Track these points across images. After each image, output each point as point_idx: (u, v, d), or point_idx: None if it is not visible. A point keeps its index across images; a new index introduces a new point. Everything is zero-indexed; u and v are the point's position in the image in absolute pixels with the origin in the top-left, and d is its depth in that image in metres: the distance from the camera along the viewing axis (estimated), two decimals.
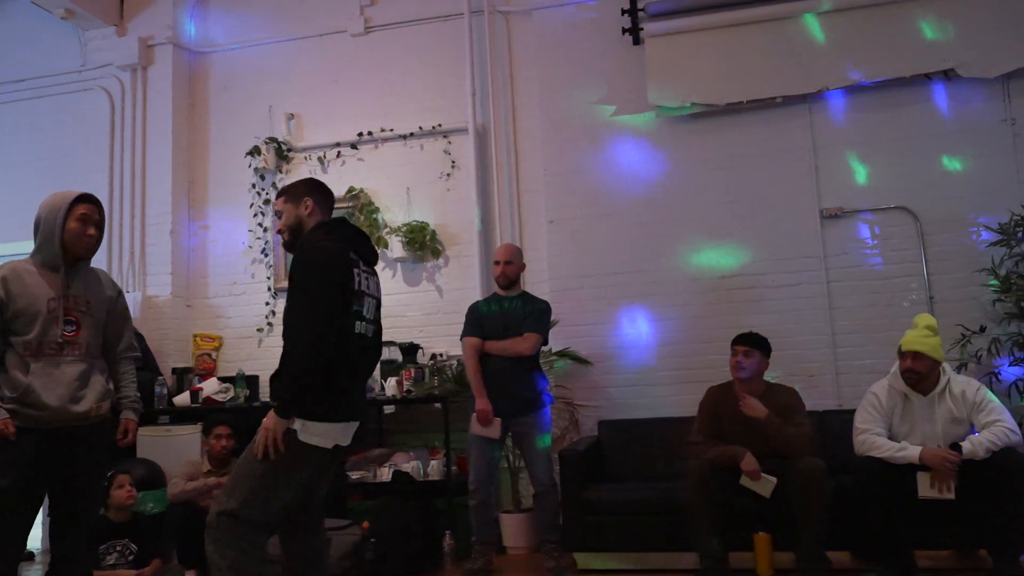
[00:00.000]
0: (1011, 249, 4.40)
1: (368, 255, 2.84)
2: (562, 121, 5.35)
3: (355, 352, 2.68)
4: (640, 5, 5.22)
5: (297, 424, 2.56)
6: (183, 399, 5.22)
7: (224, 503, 2.58)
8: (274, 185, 5.89)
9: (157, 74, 6.03)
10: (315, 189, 2.90)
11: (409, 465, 4.79)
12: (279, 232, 2.89)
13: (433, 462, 4.82)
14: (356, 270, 2.68)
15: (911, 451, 3.59)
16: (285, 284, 5.66)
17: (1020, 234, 4.37)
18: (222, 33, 6.19)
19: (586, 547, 4.20)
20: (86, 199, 3.04)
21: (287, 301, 2.63)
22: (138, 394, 3.27)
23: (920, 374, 3.70)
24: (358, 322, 2.66)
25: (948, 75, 4.74)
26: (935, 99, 4.80)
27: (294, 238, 2.82)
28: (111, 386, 3.10)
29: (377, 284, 2.85)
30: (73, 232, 2.96)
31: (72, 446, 2.96)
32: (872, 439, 3.70)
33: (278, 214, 2.90)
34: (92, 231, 3.02)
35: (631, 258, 5.11)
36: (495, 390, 4.27)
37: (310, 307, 2.54)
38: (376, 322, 2.82)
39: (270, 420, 2.56)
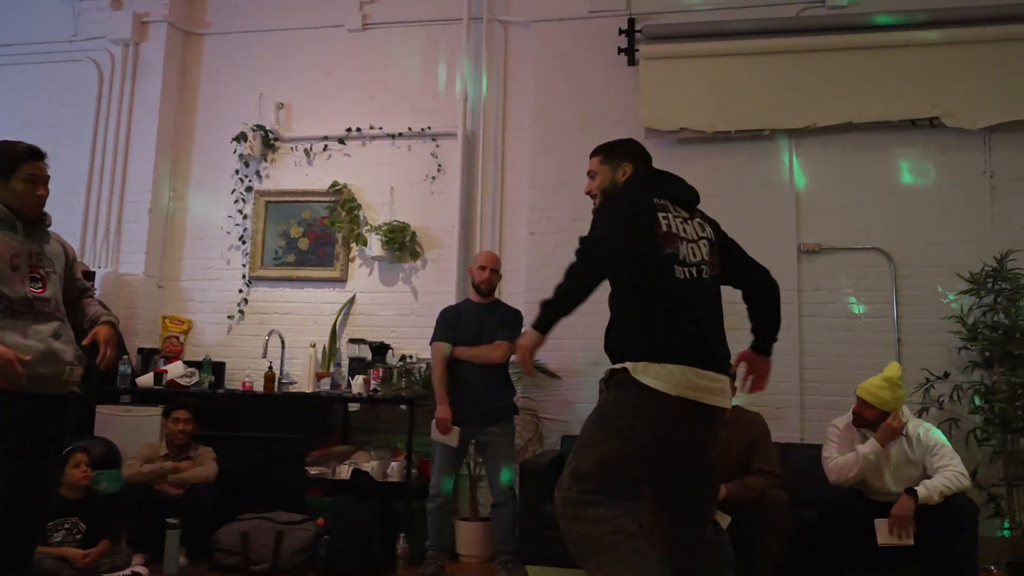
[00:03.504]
0: (980, 299, 4.48)
1: (687, 197, 2.64)
2: (552, 134, 5.37)
3: (679, 298, 2.44)
4: (637, 27, 5.27)
5: (628, 364, 2.40)
6: (146, 380, 5.15)
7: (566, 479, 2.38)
8: (257, 174, 5.86)
9: (149, 51, 5.97)
10: (636, 156, 2.71)
11: (369, 465, 4.76)
12: (589, 194, 2.75)
13: (394, 464, 4.80)
14: (664, 215, 2.49)
15: (868, 446, 3.71)
16: (261, 272, 5.71)
17: (990, 284, 4.44)
18: (218, 16, 6.14)
19: (541, 561, 4.20)
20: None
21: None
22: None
23: (866, 420, 3.80)
24: (677, 267, 2.45)
25: (933, 123, 4.81)
26: (920, 146, 4.88)
27: None
28: (79, 352, 3.01)
29: (704, 224, 2.61)
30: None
31: (44, 421, 2.83)
32: (838, 462, 3.78)
33: (591, 175, 2.74)
34: (43, 191, 2.89)
35: None
36: (463, 397, 4.27)
37: (593, 247, 2.45)
38: (711, 264, 2.55)
39: (526, 337, 2.49)
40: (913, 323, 4.74)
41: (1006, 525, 4.25)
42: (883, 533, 3.58)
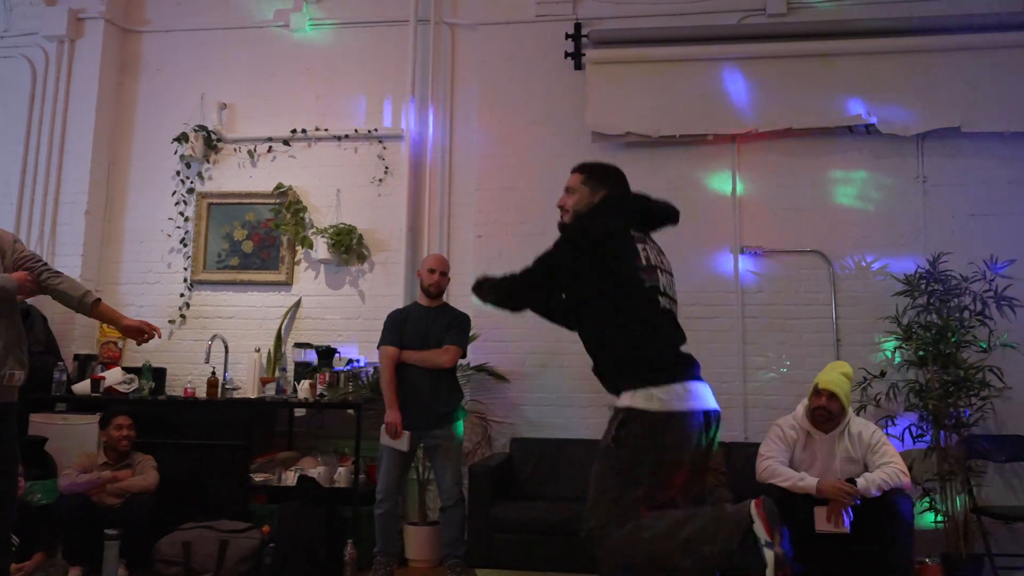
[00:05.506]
0: (914, 300, 4.62)
1: (662, 213, 2.66)
2: (499, 137, 5.38)
3: (665, 327, 2.51)
4: (584, 31, 5.31)
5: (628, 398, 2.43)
6: (83, 387, 5.00)
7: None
8: (199, 175, 5.74)
9: (85, 48, 5.80)
10: (618, 182, 2.65)
11: (316, 471, 4.70)
12: (560, 207, 2.65)
13: (341, 469, 4.74)
14: (645, 245, 2.52)
15: (809, 481, 3.74)
16: (203, 276, 5.60)
17: (923, 286, 4.59)
18: (158, 13, 6.00)
19: (490, 564, 4.20)
20: None
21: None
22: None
23: (831, 414, 3.86)
24: (660, 297, 2.49)
25: (869, 130, 4.97)
26: (855, 151, 5.03)
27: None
28: (25, 356, 2.91)
29: (662, 255, 2.62)
30: None
31: None
32: (775, 467, 3.84)
33: (569, 190, 2.64)
34: None
35: None
36: (410, 401, 4.25)
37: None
38: (674, 298, 2.60)
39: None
40: (851, 323, 4.87)
41: (940, 518, 4.39)
42: (821, 520, 3.68)
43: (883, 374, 4.65)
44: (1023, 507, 4.51)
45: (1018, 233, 4.79)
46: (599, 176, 2.64)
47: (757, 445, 4.06)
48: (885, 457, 3.80)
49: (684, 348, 2.53)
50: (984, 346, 4.45)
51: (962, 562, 4.23)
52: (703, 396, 2.46)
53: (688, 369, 2.47)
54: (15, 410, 2.90)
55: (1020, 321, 4.47)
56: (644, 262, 2.46)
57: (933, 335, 4.47)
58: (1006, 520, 4.32)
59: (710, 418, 2.46)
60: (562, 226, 2.63)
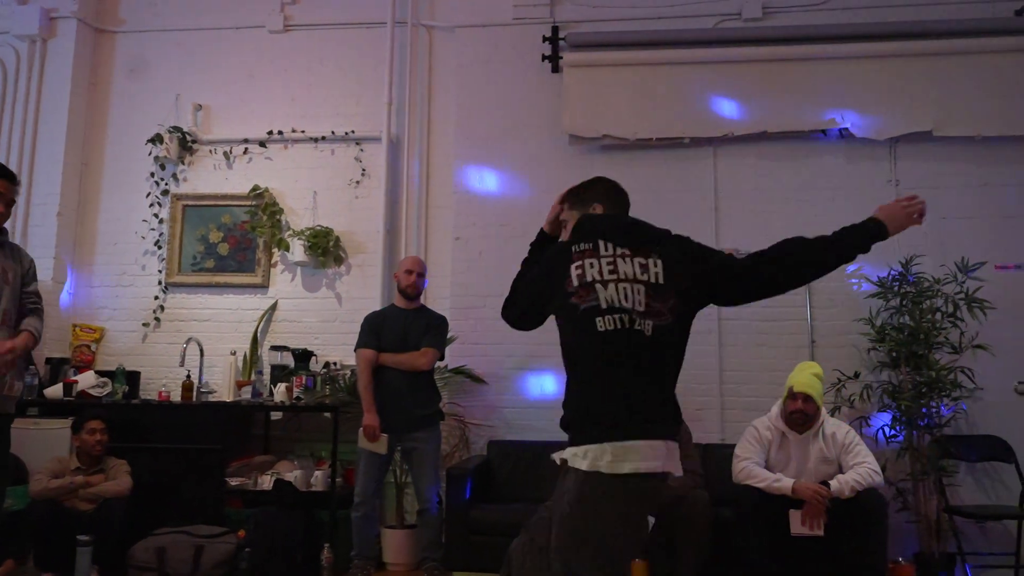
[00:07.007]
0: (887, 302, 4.68)
1: (630, 238, 2.29)
2: (476, 139, 5.38)
3: (598, 355, 2.12)
4: (561, 34, 5.33)
5: (566, 453, 2.12)
6: (55, 391, 4.94)
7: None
8: (174, 177, 5.69)
9: (58, 48, 5.73)
10: (607, 194, 2.42)
11: (293, 474, 4.67)
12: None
13: (318, 472, 4.72)
14: (587, 260, 2.18)
15: (785, 483, 3.77)
16: (178, 278, 5.55)
17: (896, 288, 4.64)
18: (132, 13, 5.95)
19: (468, 567, 4.19)
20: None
21: None
22: (38, 327, 3.23)
23: (807, 416, 3.89)
24: (598, 319, 2.11)
25: (843, 134, 5.02)
26: (830, 155, 5.08)
27: None
28: (25, 371, 2.96)
29: (644, 263, 2.23)
30: None
31: None
32: (751, 468, 3.87)
33: (563, 223, 2.45)
34: (1, 208, 3.04)
35: None
36: (388, 404, 4.23)
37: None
38: (633, 308, 2.13)
39: None
40: (826, 325, 4.92)
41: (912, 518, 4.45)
42: (796, 523, 3.71)
43: (857, 375, 4.70)
44: (994, 506, 4.57)
45: (989, 236, 4.86)
46: (581, 196, 2.43)
47: (734, 446, 4.09)
48: (858, 457, 3.85)
49: (634, 384, 2.17)
50: (955, 347, 4.51)
51: (935, 561, 4.28)
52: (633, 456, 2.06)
53: (615, 429, 2.07)
54: (11, 420, 2.96)
55: (991, 323, 4.53)
56: (576, 282, 2.14)
57: (906, 336, 4.52)
58: (977, 519, 4.39)
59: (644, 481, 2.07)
60: None
